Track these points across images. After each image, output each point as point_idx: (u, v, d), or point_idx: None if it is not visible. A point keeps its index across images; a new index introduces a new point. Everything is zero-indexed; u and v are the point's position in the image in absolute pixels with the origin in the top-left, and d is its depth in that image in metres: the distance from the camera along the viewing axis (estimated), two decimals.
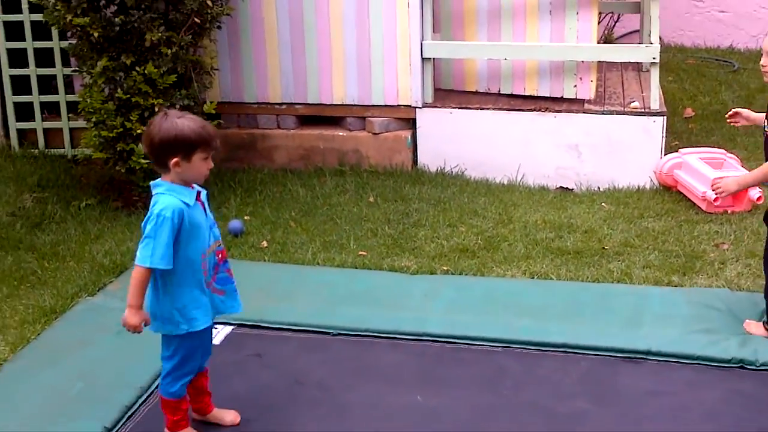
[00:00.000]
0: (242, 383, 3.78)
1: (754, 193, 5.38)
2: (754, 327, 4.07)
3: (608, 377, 3.80)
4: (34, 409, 3.58)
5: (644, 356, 3.91)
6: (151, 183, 3.16)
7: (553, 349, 4.01)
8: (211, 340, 3.44)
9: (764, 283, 4.10)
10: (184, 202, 3.08)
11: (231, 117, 6.41)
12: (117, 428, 3.45)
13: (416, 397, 3.67)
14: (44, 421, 3.49)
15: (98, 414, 3.49)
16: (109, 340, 4.10)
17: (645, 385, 3.73)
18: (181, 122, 3.04)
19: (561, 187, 5.99)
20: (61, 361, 3.93)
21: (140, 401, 3.62)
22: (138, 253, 3.06)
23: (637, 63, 7.04)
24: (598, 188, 5.92)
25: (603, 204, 5.62)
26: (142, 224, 3.10)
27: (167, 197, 3.07)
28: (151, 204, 3.09)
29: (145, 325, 3.13)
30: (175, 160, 3.05)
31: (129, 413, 3.54)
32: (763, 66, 3.92)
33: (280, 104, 6.36)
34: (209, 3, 5.50)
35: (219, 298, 3.28)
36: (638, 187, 5.87)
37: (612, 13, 8.72)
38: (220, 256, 3.28)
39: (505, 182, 6.05)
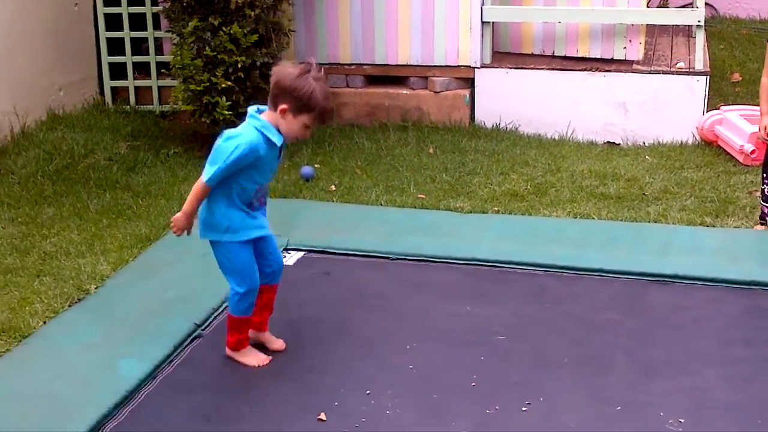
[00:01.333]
0: (312, 294, 4.37)
1: None
2: None
3: (639, 295, 4.27)
4: (135, 311, 4.18)
5: (671, 279, 4.36)
6: (253, 109, 3.37)
7: (589, 273, 4.47)
8: (276, 255, 3.75)
9: None
10: (268, 139, 3.31)
11: None
12: (205, 325, 4.04)
13: (466, 308, 4.18)
14: (145, 319, 4.08)
15: (190, 314, 4.08)
16: (197, 260, 4.64)
17: (672, 301, 4.19)
18: (314, 83, 3.26)
19: (608, 142, 6.42)
20: (156, 276, 4.53)
21: (225, 304, 4.20)
22: (205, 169, 3.34)
23: (688, 29, 7.38)
24: (643, 143, 6.34)
25: (647, 157, 6.05)
26: (223, 138, 3.32)
27: (254, 133, 3.30)
28: (241, 126, 3.35)
29: (187, 234, 3.49)
30: (284, 107, 3.28)
31: (216, 314, 4.13)
32: None
33: (350, 65, 6.90)
34: None
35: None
36: (681, 142, 6.27)
37: None
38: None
39: (556, 137, 6.51)
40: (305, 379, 3.65)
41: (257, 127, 3.34)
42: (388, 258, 4.71)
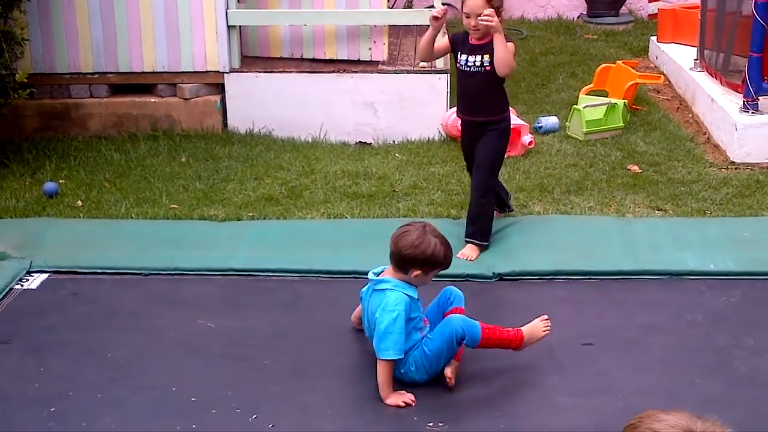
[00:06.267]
0: (60, 317, 4.17)
1: (526, 138, 6.11)
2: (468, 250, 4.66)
3: None
4: None
5: None
6: (376, 279, 3.63)
7: (344, 276, 4.52)
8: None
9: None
10: (410, 296, 3.53)
11: (44, 87, 6.59)
12: None
13: (222, 322, 4.10)
14: None
15: None
16: None
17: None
18: (433, 239, 3.52)
19: (360, 141, 6.54)
20: None
21: None
22: (380, 346, 3.47)
23: None
24: (393, 141, 6.51)
25: (397, 155, 6.21)
26: (375, 316, 3.52)
27: (396, 293, 3.52)
28: (380, 299, 3.54)
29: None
30: (417, 272, 3.53)
31: None
32: (475, 27, 4.44)
33: (93, 74, 6.60)
34: None
35: None
36: (428, 138, 6.49)
37: None
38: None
39: (310, 140, 6.55)
40: (55, 404, 3.48)
41: (393, 287, 3.55)
42: (140, 274, 4.56)
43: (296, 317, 4.17)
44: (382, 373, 3.48)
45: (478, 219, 4.71)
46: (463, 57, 4.60)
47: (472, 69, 4.58)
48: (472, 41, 4.58)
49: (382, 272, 3.66)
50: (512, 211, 5.13)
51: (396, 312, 3.46)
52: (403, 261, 3.53)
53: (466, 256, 4.61)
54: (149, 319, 4.15)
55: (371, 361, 3.71)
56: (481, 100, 4.66)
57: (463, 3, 4.50)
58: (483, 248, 4.69)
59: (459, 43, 4.64)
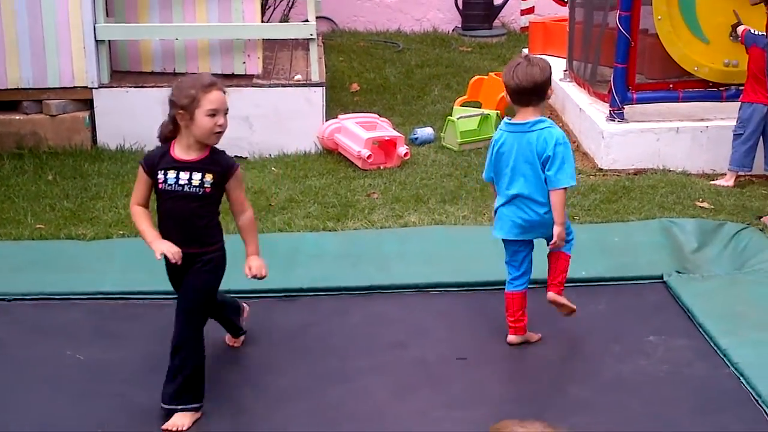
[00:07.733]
0: None
1: (402, 149, 6.15)
2: None
3: (265, 317, 4.23)
4: None
5: (297, 294, 4.44)
6: (527, 122, 3.79)
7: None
8: None
9: None
10: None
11: None
12: None
13: (92, 353, 3.94)
14: None
15: None
16: None
17: (297, 319, 4.26)
18: (543, 59, 3.90)
19: (236, 156, 6.43)
20: None
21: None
22: (560, 177, 3.73)
23: (307, 43, 7.62)
24: (269, 155, 6.45)
25: (273, 168, 6.16)
26: (550, 151, 3.72)
27: (557, 129, 3.82)
28: (545, 135, 3.75)
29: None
30: (551, 91, 3.84)
31: None
32: (221, 126, 3.64)
33: None
34: None
35: None
36: (304, 151, 6.46)
37: None
38: None
39: None
40: None
41: (551, 125, 3.82)
42: (5, 300, 4.37)
43: (167, 346, 4.02)
44: (561, 201, 3.76)
45: (178, 378, 3.47)
46: (171, 174, 3.50)
47: (185, 189, 3.50)
48: (178, 155, 3.52)
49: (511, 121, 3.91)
50: (245, 333, 4.07)
51: (568, 144, 3.80)
52: (541, 89, 3.78)
53: (176, 426, 3.42)
54: (15, 349, 3.96)
55: (241, 389, 3.64)
56: (196, 229, 3.60)
57: (200, 98, 3.56)
58: (196, 411, 3.50)
59: (156, 160, 3.55)
